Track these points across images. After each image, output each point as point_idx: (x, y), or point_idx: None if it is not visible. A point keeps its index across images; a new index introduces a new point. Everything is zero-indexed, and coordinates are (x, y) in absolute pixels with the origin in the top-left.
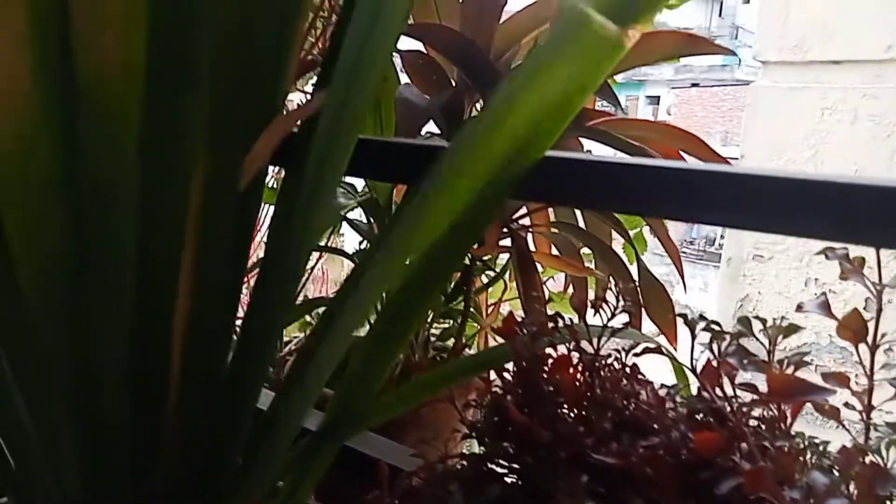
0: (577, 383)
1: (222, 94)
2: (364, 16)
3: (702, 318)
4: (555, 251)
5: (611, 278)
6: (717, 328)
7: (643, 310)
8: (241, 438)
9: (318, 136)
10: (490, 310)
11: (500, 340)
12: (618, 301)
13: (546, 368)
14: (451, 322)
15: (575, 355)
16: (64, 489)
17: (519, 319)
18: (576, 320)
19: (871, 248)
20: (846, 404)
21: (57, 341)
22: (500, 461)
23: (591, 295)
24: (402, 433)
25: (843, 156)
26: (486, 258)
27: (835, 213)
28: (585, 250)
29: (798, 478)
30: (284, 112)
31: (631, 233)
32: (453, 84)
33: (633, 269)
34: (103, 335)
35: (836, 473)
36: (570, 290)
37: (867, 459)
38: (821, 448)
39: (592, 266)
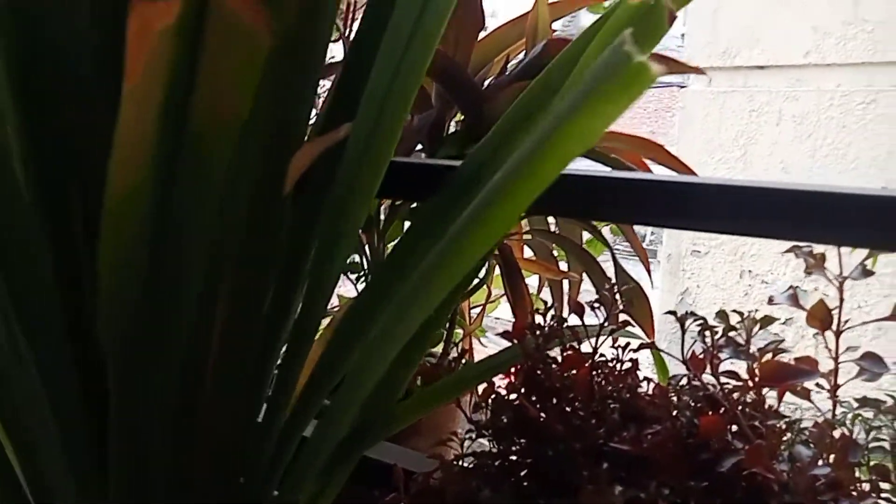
0: (589, 379)
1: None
2: (398, 36)
3: (691, 314)
4: (529, 254)
5: (585, 277)
6: (708, 323)
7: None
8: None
9: (346, 162)
10: (475, 315)
11: (484, 345)
12: (612, 301)
13: (555, 367)
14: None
15: (582, 354)
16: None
17: (529, 323)
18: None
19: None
20: (817, 384)
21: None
22: (515, 457)
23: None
24: (402, 441)
25: (770, 155)
26: None
27: (793, 216)
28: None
29: (783, 452)
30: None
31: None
32: (432, 102)
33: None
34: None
35: (813, 446)
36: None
37: (837, 433)
38: (798, 426)
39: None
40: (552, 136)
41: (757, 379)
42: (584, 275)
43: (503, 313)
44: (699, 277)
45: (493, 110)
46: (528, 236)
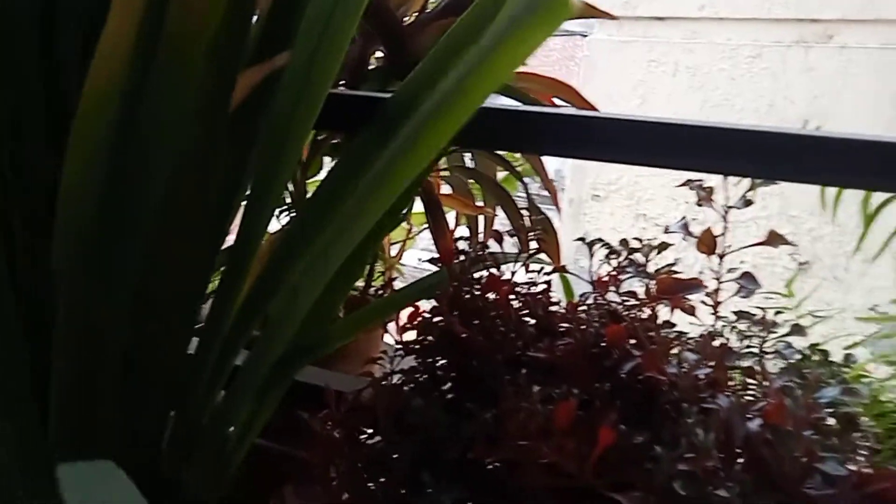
0: (508, 299)
1: None
2: None
3: (599, 241)
4: (446, 190)
5: (500, 212)
6: (614, 247)
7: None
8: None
9: (283, 93)
10: (395, 250)
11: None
12: (527, 230)
13: (478, 289)
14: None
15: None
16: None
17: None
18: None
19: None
20: (702, 302)
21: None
22: (441, 371)
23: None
24: (329, 367)
25: (667, 103)
26: None
27: (693, 148)
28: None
29: (673, 358)
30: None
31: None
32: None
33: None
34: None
35: (698, 353)
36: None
37: (717, 342)
38: (684, 337)
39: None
40: (481, 63)
41: (654, 294)
42: (500, 210)
43: (409, 259)
44: (599, 221)
45: (417, 46)
46: (447, 173)
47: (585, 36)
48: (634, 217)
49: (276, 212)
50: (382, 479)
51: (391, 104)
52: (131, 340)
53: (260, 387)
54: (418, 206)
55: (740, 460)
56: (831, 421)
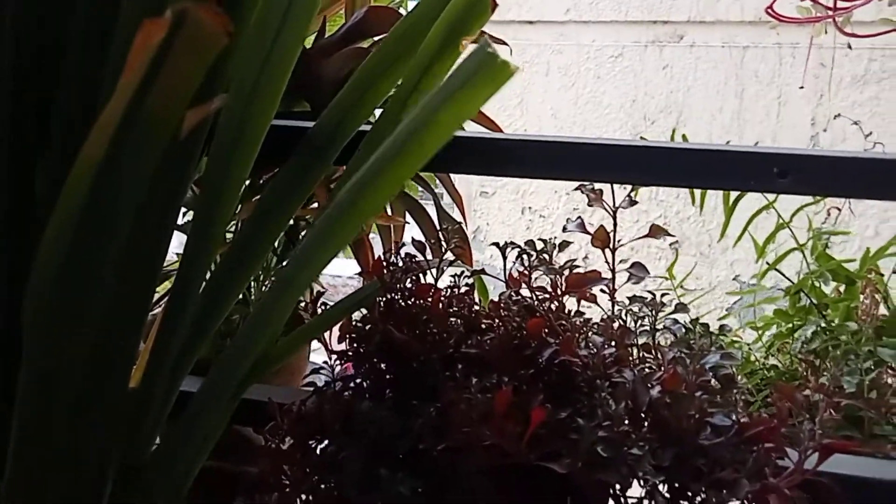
0: (439, 304)
1: None
2: (273, 16)
3: (511, 244)
4: None
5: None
6: (524, 248)
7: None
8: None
9: (222, 132)
10: None
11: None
12: (447, 240)
13: (408, 297)
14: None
15: (430, 283)
16: None
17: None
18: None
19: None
20: (601, 290)
21: None
22: (382, 376)
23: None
24: (263, 382)
25: (542, 102)
26: (308, 217)
27: (582, 161)
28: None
29: (582, 342)
30: None
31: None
32: None
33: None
34: None
35: (602, 336)
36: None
37: (616, 324)
38: (589, 323)
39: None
40: (436, 115)
41: (563, 288)
42: (409, 217)
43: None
44: (488, 216)
45: (319, 69)
46: None
47: None
48: (521, 211)
49: None
50: (335, 481)
51: (316, 135)
52: (82, 384)
53: (217, 413)
54: None
55: (646, 423)
56: (715, 383)
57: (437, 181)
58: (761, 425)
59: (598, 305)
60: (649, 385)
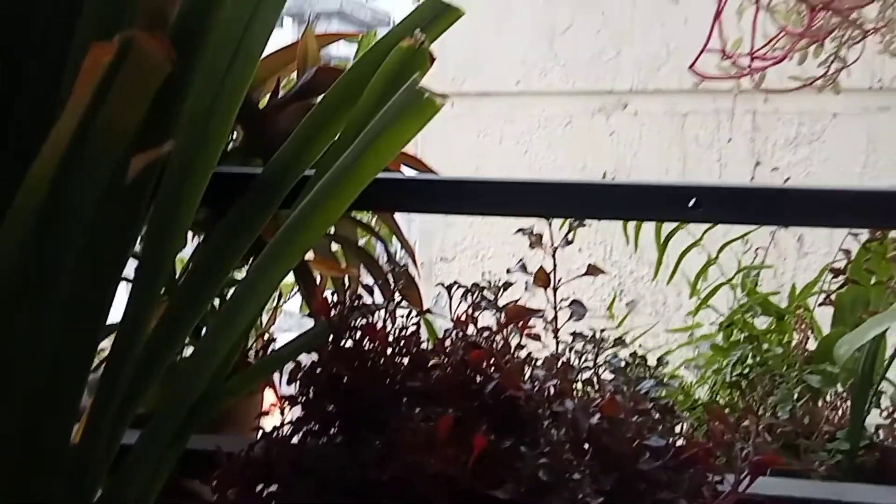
0: (385, 342)
1: None
2: (220, 56)
3: (455, 283)
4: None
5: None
6: (470, 288)
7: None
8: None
9: (170, 174)
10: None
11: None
12: (395, 283)
13: (358, 337)
14: None
15: (378, 324)
16: None
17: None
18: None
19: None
20: (545, 328)
21: None
22: (331, 414)
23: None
24: (214, 433)
25: (499, 169)
26: None
27: (518, 199)
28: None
29: (527, 377)
30: None
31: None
32: None
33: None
34: None
35: (546, 371)
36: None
37: (560, 361)
38: (534, 359)
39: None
40: (368, 150)
41: (504, 323)
42: (363, 269)
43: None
44: (448, 280)
45: (273, 126)
46: None
47: None
48: (480, 273)
49: None
50: None
51: (262, 180)
52: (22, 437)
53: (162, 451)
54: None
55: (588, 450)
56: (656, 415)
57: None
58: (696, 447)
59: (542, 342)
60: (589, 412)
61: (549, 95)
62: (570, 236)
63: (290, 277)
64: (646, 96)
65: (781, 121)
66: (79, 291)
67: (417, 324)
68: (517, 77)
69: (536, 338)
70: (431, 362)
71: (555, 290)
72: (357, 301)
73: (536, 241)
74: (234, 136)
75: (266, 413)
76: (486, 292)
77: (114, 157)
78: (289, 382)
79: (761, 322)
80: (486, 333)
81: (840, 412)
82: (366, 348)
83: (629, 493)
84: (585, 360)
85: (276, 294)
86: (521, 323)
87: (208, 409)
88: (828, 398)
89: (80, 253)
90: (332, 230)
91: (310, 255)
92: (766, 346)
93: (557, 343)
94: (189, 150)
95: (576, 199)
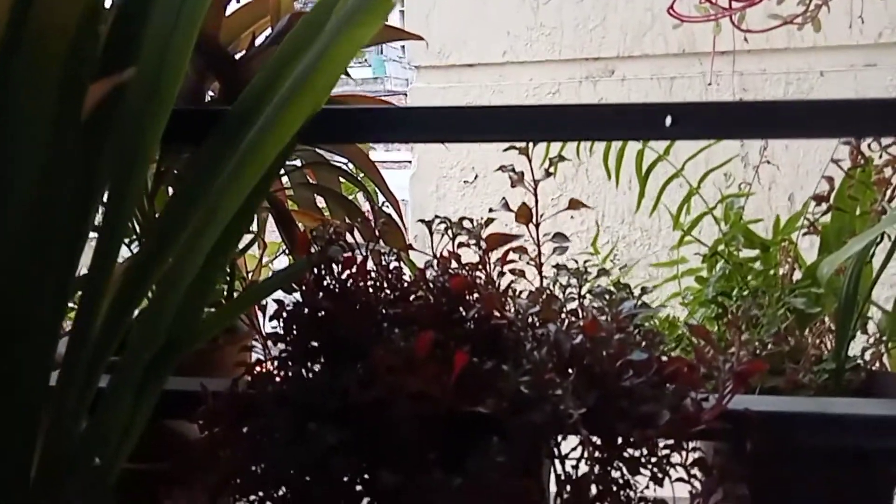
0: (365, 273)
1: None
2: None
3: (437, 217)
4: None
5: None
6: (452, 222)
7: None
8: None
9: (132, 103)
10: (251, 271)
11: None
12: (376, 220)
13: (338, 272)
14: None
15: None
16: None
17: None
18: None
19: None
20: (528, 262)
21: None
22: (314, 347)
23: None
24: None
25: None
26: None
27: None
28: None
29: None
30: None
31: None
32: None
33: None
34: None
35: (530, 301)
36: None
37: (545, 293)
38: (516, 291)
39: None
40: (327, 52)
41: (486, 248)
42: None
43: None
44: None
45: (249, 76)
46: (290, 192)
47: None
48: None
49: (127, 242)
50: (266, 447)
51: (233, 114)
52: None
53: (135, 391)
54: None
55: (571, 371)
56: (639, 338)
57: (377, 191)
58: (679, 363)
59: (526, 279)
60: (572, 334)
61: (536, 64)
62: (553, 170)
63: (277, 237)
64: (632, 62)
65: (769, 81)
66: (46, 229)
67: (399, 259)
68: (503, 48)
69: (521, 273)
70: (412, 294)
71: (537, 225)
72: (337, 237)
73: (518, 179)
74: (213, 90)
75: (249, 348)
76: (466, 223)
77: (54, 65)
78: (271, 320)
79: (747, 256)
80: (467, 267)
81: (827, 342)
82: (347, 282)
83: (612, 408)
84: (570, 294)
85: (262, 249)
86: (503, 254)
87: (186, 345)
88: (814, 329)
89: (35, 183)
90: (315, 181)
91: (293, 207)
92: (750, 278)
93: (542, 279)
94: (149, 80)
95: (553, 121)
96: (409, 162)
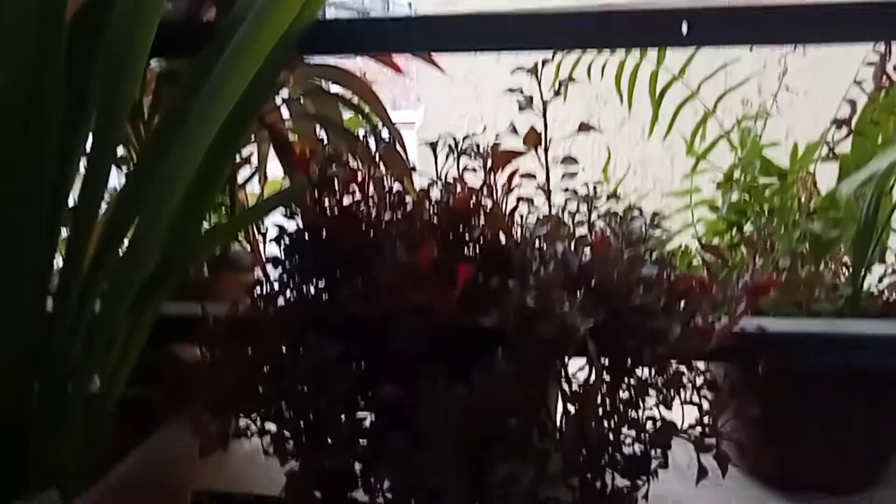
0: (367, 195)
1: None
2: None
3: (441, 139)
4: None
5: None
6: (456, 142)
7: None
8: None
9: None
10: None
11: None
12: (377, 144)
13: (336, 190)
14: (219, 217)
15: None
16: None
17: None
18: None
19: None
20: (537, 188)
21: None
22: (314, 270)
23: None
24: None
25: (495, 88)
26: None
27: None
28: None
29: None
30: None
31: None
32: None
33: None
34: None
35: (540, 223)
36: None
37: (554, 218)
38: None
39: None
40: None
41: (490, 163)
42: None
43: None
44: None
45: None
46: (290, 123)
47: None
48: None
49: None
50: (271, 360)
51: (223, 25)
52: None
53: (130, 310)
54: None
55: (580, 290)
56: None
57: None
58: (690, 281)
59: (535, 207)
60: (580, 252)
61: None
62: (563, 90)
63: (279, 176)
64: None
65: None
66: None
67: (401, 183)
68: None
69: (529, 200)
70: (415, 216)
71: (546, 150)
72: (337, 158)
73: (527, 103)
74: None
75: (254, 281)
76: (472, 140)
77: None
78: (272, 242)
79: (763, 183)
80: (473, 192)
81: (844, 272)
82: (345, 201)
83: (622, 325)
84: (579, 218)
85: (263, 183)
86: (509, 176)
87: (183, 263)
88: (831, 259)
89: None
90: (315, 111)
91: (293, 137)
92: (766, 206)
93: (550, 205)
94: None
95: (560, 28)
96: (414, 123)
